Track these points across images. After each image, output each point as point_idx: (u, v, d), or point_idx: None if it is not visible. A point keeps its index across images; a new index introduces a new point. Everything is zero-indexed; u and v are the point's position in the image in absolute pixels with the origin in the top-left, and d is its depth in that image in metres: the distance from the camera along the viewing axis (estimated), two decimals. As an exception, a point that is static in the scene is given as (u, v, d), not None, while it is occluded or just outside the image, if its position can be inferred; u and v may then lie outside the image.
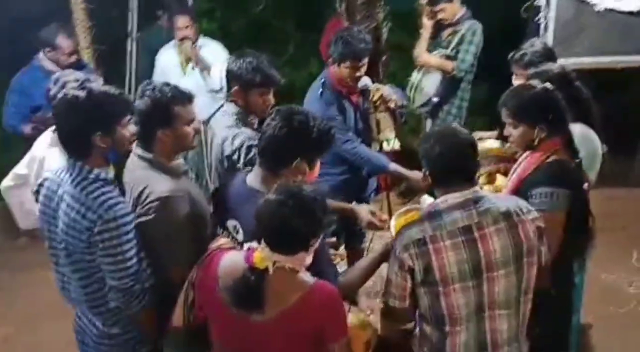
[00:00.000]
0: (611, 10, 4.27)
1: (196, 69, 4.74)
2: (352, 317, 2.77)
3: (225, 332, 2.11)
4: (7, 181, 3.30)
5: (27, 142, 3.44)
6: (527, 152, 2.63)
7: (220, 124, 2.90)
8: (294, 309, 1.97)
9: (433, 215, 2.15)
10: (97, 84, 2.41)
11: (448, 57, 4.57)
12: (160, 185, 2.37)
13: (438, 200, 2.19)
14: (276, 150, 2.27)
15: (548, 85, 2.59)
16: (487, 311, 2.16)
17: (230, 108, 2.94)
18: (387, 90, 3.47)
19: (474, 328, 2.17)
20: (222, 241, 2.24)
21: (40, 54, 4.20)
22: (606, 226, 4.76)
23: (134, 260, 2.29)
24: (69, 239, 2.30)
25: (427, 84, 4.63)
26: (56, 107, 2.33)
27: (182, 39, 4.70)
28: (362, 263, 2.45)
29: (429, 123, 5.00)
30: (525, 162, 2.61)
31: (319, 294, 1.99)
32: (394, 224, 2.60)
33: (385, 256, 2.34)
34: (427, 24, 4.73)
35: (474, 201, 2.13)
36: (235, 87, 2.90)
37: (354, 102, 3.53)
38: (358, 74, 3.40)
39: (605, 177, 4.65)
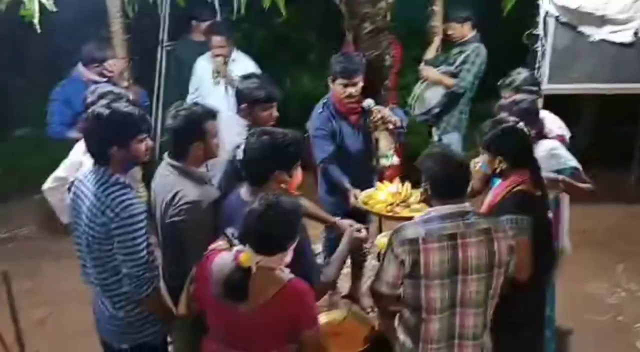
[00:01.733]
0: (604, 41, 4.56)
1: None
2: (354, 315, 3.15)
3: (217, 321, 2.45)
4: (48, 183, 3.73)
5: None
6: (499, 181, 2.96)
7: (232, 132, 3.38)
8: (272, 302, 2.31)
9: (427, 220, 2.53)
10: (121, 104, 2.71)
11: (452, 74, 5.01)
12: (191, 190, 2.77)
13: (433, 208, 2.57)
14: (255, 168, 2.65)
15: (519, 122, 2.91)
16: (459, 308, 2.54)
17: (241, 121, 3.41)
18: (387, 112, 3.76)
19: (446, 320, 2.55)
20: (219, 242, 2.54)
21: (80, 66, 4.55)
22: (593, 240, 5.13)
23: (144, 252, 2.61)
24: (89, 232, 2.63)
25: (429, 95, 5.07)
26: (85, 120, 2.69)
27: (216, 56, 5.09)
28: (336, 258, 2.81)
29: (433, 130, 5.50)
30: (493, 191, 2.95)
31: (292, 289, 2.33)
32: (380, 241, 3.04)
33: (350, 246, 2.81)
34: (436, 40, 5.23)
35: (462, 214, 2.51)
36: (243, 105, 3.36)
37: (352, 121, 3.89)
38: (350, 90, 3.75)
39: (594, 195, 4.96)
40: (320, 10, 7.76)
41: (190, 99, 5.24)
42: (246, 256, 2.29)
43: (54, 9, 2.36)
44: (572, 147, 3.56)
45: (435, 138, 5.53)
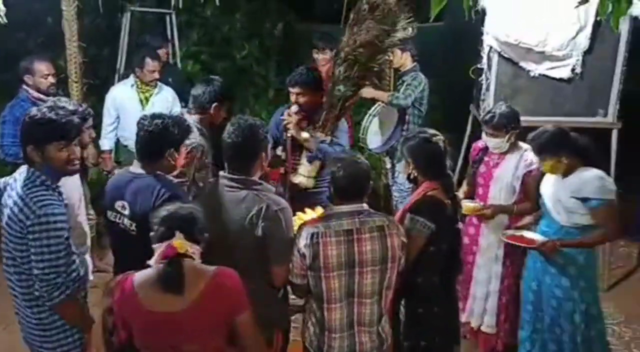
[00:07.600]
0: (544, 76, 4.76)
1: (155, 105, 5.20)
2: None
3: (151, 336, 2.39)
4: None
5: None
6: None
7: None
8: (205, 293, 2.33)
9: (327, 217, 2.79)
10: (57, 111, 2.68)
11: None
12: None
13: (334, 207, 2.82)
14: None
15: (438, 138, 3.10)
16: (356, 298, 2.77)
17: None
18: (294, 131, 4.08)
19: (346, 309, 2.78)
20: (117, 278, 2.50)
21: (25, 85, 4.53)
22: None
23: (60, 254, 2.56)
24: (8, 230, 2.61)
25: (377, 129, 5.15)
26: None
27: (150, 82, 5.25)
28: None
29: (387, 159, 5.66)
30: (412, 196, 3.19)
31: (222, 278, 2.38)
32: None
33: None
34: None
35: (359, 213, 2.77)
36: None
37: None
38: (296, 99, 4.13)
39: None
40: (279, 44, 8.01)
41: (108, 129, 5.33)
42: (179, 242, 2.33)
43: (4, 20, 2.36)
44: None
45: (389, 166, 5.65)
